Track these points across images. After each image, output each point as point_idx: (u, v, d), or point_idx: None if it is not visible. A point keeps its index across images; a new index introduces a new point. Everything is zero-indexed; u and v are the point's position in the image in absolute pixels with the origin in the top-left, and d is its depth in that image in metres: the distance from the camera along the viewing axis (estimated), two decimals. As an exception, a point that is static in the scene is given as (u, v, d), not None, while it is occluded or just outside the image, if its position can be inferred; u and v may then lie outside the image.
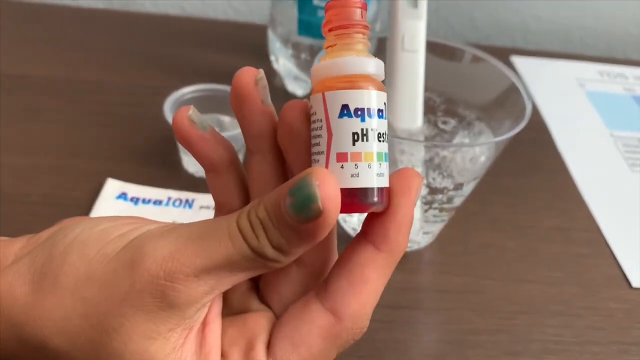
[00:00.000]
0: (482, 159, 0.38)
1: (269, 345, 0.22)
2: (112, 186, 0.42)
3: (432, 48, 0.41)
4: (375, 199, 0.21)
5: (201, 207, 0.42)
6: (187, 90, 0.46)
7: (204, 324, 0.22)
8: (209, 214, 0.41)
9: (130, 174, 0.43)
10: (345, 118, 0.21)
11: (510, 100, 0.39)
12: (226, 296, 0.24)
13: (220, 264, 0.21)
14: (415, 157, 0.37)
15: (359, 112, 0.21)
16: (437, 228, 0.41)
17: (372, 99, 0.21)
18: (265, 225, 0.21)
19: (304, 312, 0.22)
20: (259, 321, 0.23)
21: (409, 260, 0.41)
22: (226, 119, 0.46)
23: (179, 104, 0.45)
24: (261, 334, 0.23)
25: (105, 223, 0.23)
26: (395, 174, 0.22)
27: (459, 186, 0.38)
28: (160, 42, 0.60)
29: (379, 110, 0.21)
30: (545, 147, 0.53)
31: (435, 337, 0.36)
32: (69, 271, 0.22)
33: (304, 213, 0.20)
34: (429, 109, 0.43)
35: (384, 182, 0.21)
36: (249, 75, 0.22)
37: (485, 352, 0.35)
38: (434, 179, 0.39)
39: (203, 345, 0.22)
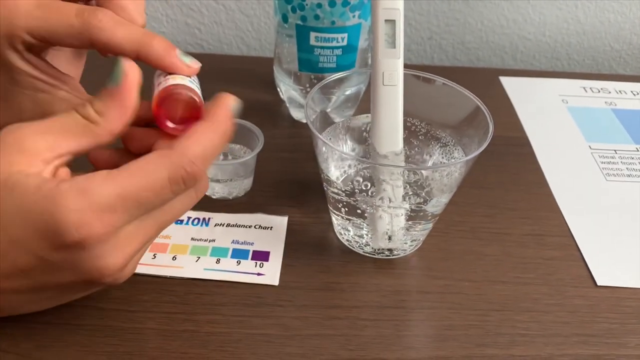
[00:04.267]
0: (456, 174, 0.43)
1: None
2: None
3: (412, 79, 0.47)
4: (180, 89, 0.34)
5: (216, 225, 0.48)
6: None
7: None
8: (224, 231, 0.48)
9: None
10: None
11: (477, 120, 0.45)
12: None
13: (56, 130, 0.32)
14: (395, 175, 0.43)
15: None
16: (422, 236, 0.47)
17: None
18: (91, 100, 0.33)
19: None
20: None
21: (395, 266, 0.46)
22: (236, 146, 0.53)
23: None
24: None
25: None
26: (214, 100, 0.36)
27: (437, 198, 0.44)
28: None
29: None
30: (527, 161, 0.58)
31: (415, 332, 0.42)
32: None
33: (115, 79, 0.32)
34: (412, 133, 0.49)
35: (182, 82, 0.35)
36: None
37: (459, 344, 0.41)
38: (416, 194, 0.45)
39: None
